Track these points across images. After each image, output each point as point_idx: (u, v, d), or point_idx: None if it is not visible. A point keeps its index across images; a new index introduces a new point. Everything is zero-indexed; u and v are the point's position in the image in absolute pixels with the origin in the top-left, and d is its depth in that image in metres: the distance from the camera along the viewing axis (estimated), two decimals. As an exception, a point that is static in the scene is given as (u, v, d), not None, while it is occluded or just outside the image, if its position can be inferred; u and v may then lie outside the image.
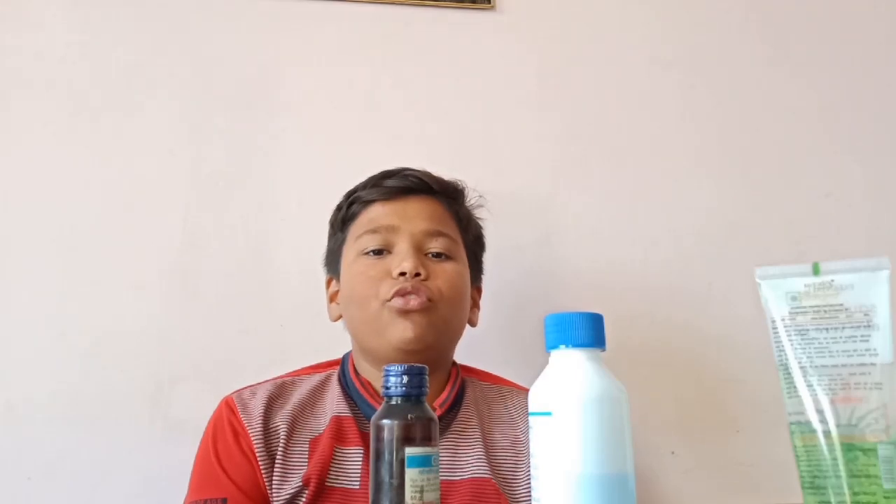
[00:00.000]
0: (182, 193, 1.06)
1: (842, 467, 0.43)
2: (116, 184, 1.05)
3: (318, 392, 0.80)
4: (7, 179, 1.03)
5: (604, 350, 0.45)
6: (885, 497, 0.42)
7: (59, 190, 1.04)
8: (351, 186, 0.88)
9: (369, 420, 0.66)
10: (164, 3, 1.12)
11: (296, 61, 1.13)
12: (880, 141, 1.21)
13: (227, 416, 0.76)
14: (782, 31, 1.25)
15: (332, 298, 0.86)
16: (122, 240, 1.03)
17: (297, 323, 1.02)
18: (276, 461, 0.72)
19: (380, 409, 0.46)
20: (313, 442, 0.74)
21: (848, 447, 0.44)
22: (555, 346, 0.45)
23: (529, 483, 0.73)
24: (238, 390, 0.79)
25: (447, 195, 0.85)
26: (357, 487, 0.71)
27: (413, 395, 0.46)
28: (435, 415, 0.47)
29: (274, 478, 0.71)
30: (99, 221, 1.04)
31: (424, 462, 0.44)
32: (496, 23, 1.19)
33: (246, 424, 0.74)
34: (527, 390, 0.47)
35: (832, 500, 0.44)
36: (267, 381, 0.81)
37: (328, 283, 0.88)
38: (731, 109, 1.20)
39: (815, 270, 0.47)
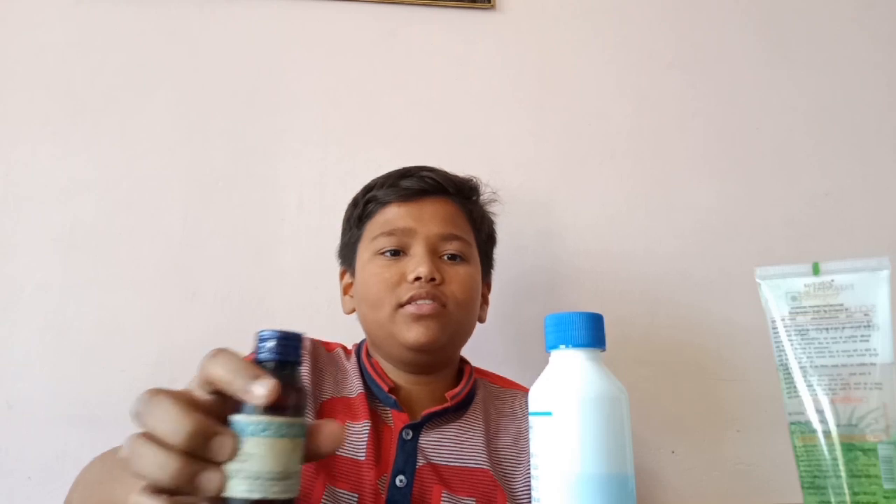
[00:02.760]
0: (182, 193, 1.06)
1: (842, 467, 0.43)
2: (116, 183, 1.05)
3: (345, 364, 0.84)
4: (7, 179, 1.04)
5: (604, 350, 0.45)
6: (885, 497, 0.42)
7: (59, 190, 1.04)
8: (350, 186, 0.88)
9: (377, 396, 0.78)
10: (164, 3, 1.12)
11: (296, 61, 1.13)
12: (880, 141, 1.21)
13: None
14: (782, 31, 1.25)
15: (346, 291, 0.87)
16: (122, 239, 1.03)
17: (296, 323, 1.01)
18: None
19: None
20: (333, 402, 0.77)
21: (848, 447, 0.44)
22: (555, 346, 0.45)
23: (528, 480, 0.75)
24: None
25: (462, 195, 0.86)
26: (363, 459, 0.73)
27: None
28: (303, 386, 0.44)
29: None
30: (99, 221, 1.04)
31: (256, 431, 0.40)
32: (496, 23, 1.19)
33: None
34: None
35: (832, 500, 0.44)
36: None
37: (342, 275, 0.88)
38: (731, 109, 1.20)
39: (815, 270, 0.47)
